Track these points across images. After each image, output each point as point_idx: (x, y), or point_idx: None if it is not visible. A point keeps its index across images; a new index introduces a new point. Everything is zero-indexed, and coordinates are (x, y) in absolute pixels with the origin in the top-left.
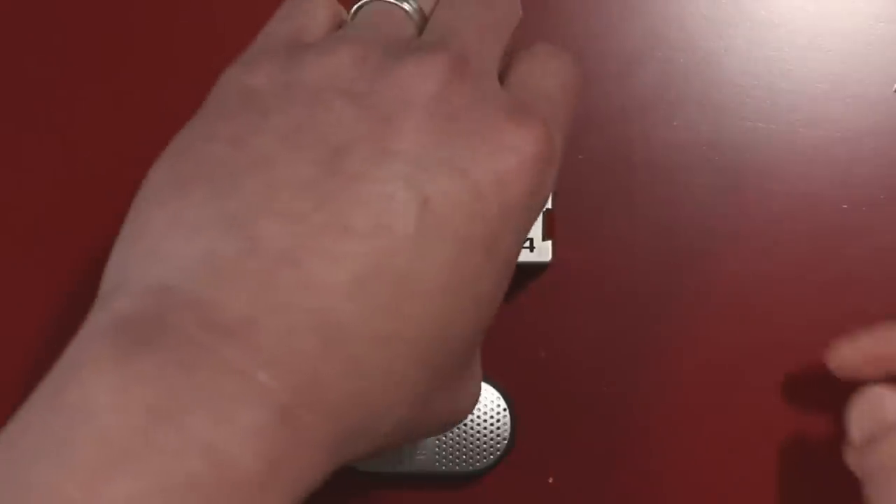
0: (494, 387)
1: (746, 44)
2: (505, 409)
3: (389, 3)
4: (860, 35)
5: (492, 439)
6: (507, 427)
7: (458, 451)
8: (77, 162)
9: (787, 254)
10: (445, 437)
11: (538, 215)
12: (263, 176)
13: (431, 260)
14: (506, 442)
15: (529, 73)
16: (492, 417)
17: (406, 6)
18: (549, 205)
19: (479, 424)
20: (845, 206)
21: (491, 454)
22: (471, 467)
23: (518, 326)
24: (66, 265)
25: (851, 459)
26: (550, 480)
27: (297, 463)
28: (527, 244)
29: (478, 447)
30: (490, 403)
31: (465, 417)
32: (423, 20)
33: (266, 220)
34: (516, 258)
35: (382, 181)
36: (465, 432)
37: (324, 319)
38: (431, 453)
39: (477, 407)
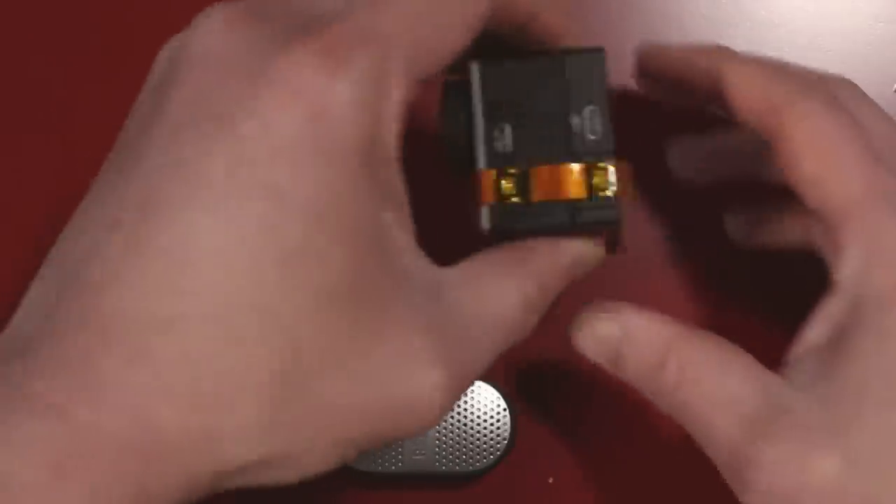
0: (494, 387)
1: (746, 44)
2: (505, 409)
3: None
4: (860, 35)
5: (492, 439)
6: (507, 427)
7: (458, 451)
8: (77, 161)
9: (788, 253)
10: (445, 437)
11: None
12: None
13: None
14: (506, 442)
15: None
16: (492, 417)
17: None
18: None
19: (479, 424)
20: None
21: (491, 454)
22: (471, 467)
23: None
24: None
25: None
26: (550, 480)
27: (91, 468)
28: None
29: (478, 447)
30: (490, 403)
31: (438, 403)
32: None
33: None
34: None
35: None
36: (465, 432)
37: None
38: (431, 453)
39: (477, 407)
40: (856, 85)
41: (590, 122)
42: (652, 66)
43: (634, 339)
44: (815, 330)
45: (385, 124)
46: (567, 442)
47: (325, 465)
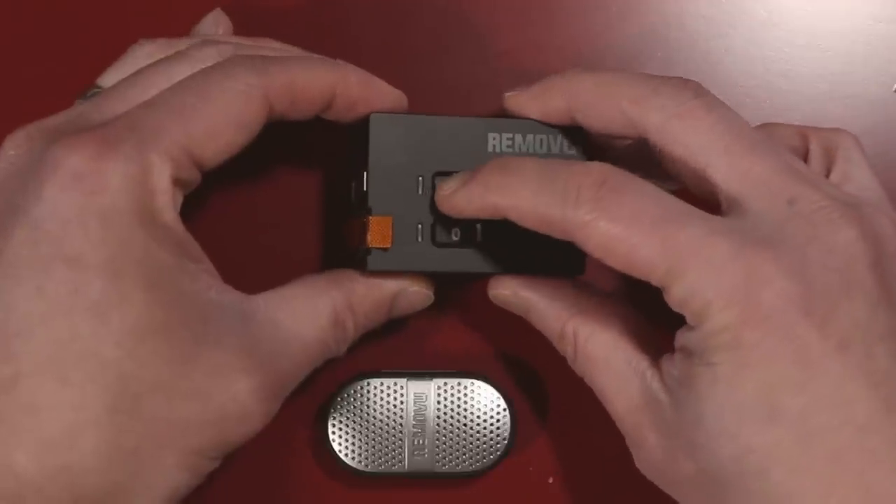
0: (494, 387)
1: (746, 44)
2: (505, 409)
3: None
4: (860, 35)
5: (492, 439)
6: (507, 427)
7: (458, 451)
8: None
9: None
10: (445, 437)
11: None
12: None
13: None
14: (506, 442)
15: None
16: (492, 417)
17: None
18: None
19: (479, 424)
20: None
21: (491, 454)
22: (471, 467)
23: (517, 327)
24: None
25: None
26: (550, 480)
27: None
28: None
29: (478, 447)
30: (490, 403)
31: (255, 408)
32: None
33: None
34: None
35: None
36: (465, 432)
37: None
38: (431, 453)
39: (477, 407)
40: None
41: (359, 185)
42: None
43: (536, 308)
44: (681, 339)
45: (158, 195)
46: (567, 442)
47: (181, 478)
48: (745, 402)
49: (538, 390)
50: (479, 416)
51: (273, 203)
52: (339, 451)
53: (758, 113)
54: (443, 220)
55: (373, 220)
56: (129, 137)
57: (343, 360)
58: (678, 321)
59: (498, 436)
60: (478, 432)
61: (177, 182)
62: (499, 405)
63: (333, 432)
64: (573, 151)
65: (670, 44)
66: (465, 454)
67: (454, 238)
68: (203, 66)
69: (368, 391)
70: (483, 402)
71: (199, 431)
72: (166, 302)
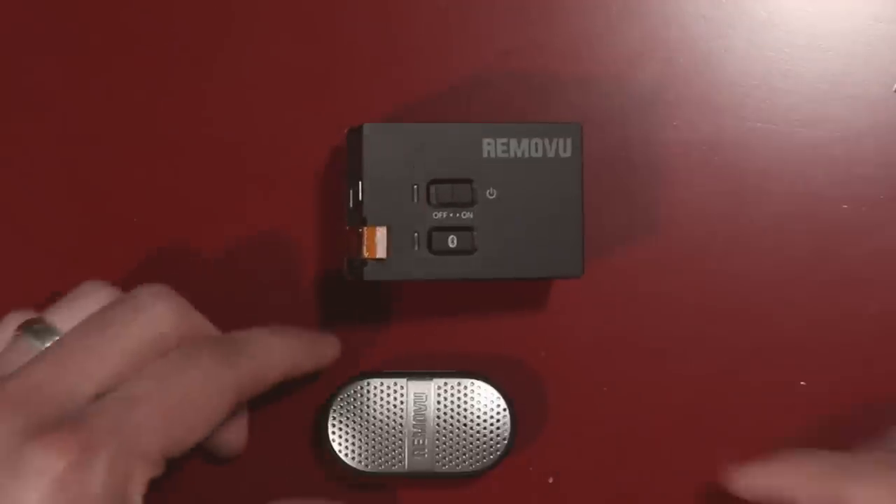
0: (494, 387)
1: (746, 44)
2: (505, 409)
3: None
4: (860, 35)
5: (492, 439)
6: (507, 427)
7: (458, 451)
8: (76, 161)
9: (787, 254)
10: (445, 437)
11: None
12: None
13: None
14: (506, 442)
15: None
16: (492, 417)
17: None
18: None
19: (479, 424)
20: (845, 206)
21: (491, 454)
22: (471, 467)
23: (518, 327)
24: (64, 262)
25: None
26: (550, 480)
27: None
28: None
29: (478, 447)
30: (490, 403)
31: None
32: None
33: None
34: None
35: None
36: (465, 432)
37: None
38: (431, 453)
39: (477, 407)
40: None
41: (356, 195)
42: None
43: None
44: None
45: (133, 497)
46: (567, 442)
47: None
48: None
49: (538, 390)
50: (479, 416)
51: (268, 209)
52: (339, 452)
53: (758, 113)
54: (439, 228)
55: (368, 231)
56: (111, 442)
57: (343, 359)
58: None
59: (498, 436)
60: (478, 432)
61: (148, 482)
62: (499, 405)
63: (333, 432)
64: (567, 154)
65: (670, 44)
66: (465, 454)
67: (451, 245)
68: (157, 318)
69: (368, 391)
70: (483, 402)
71: None
72: None
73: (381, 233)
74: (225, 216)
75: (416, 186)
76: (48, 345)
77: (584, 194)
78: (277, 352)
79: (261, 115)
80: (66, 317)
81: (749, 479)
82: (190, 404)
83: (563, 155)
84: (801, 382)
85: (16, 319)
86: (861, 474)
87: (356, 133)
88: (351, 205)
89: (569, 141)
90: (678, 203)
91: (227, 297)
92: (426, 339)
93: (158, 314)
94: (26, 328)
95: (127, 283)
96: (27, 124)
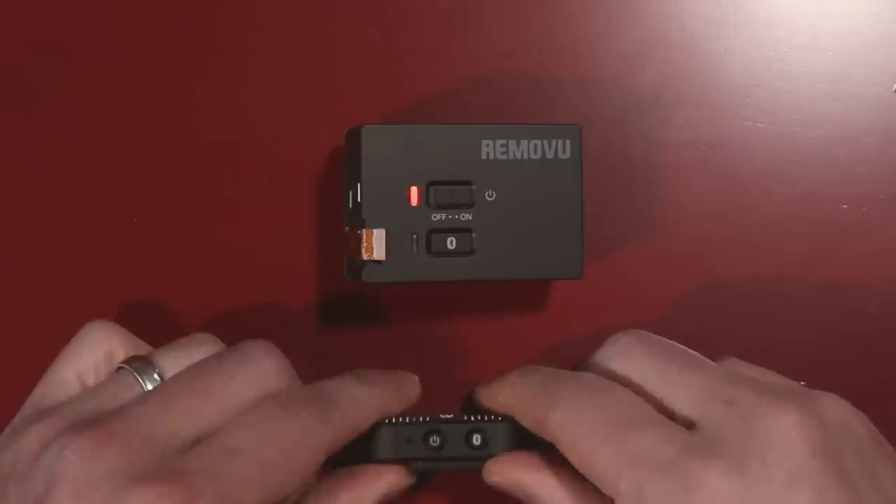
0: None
1: (746, 44)
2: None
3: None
4: (860, 35)
5: None
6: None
7: None
8: (76, 161)
9: (787, 254)
10: None
11: None
12: None
13: None
14: None
15: None
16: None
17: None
18: None
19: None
20: (845, 206)
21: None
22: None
23: (518, 327)
24: (64, 262)
25: None
26: None
27: None
28: None
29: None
30: None
31: None
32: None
33: None
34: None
35: None
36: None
37: None
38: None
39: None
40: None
41: (354, 195)
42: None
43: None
44: None
45: None
46: None
47: None
48: None
49: None
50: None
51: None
52: None
53: (758, 113)
54: (438, 229)
55: (367, 233)
56: (210, 492)
57: (343, 360)
58: None
59: None
60: None
61: None
62: None
63: None
64: (567, 155)
65: (670, 44)
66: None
67: (450, 247)
68: (262, 374)
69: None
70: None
71: None
72: None
73: (379, 234)
74: (225, 216)
75: (415, 188)
76: (149, 386)
77: (584, 195)
78: (368, 403)
79: (260, 116)
80: (171, 361)
81: (485, 395)
82: (286, 458)
83: (562, 156)
84: (801, 382)
85: (103, 330)
86: (563, 399)
87: (355, 134)
88: (350, 206)
89: (568, 142)
90: (678, 203)
91: (227, 298)
92: (426, 339)
93: (265, 369)
94: (133, 364)
95: (127, 282)
96: (27, 125)
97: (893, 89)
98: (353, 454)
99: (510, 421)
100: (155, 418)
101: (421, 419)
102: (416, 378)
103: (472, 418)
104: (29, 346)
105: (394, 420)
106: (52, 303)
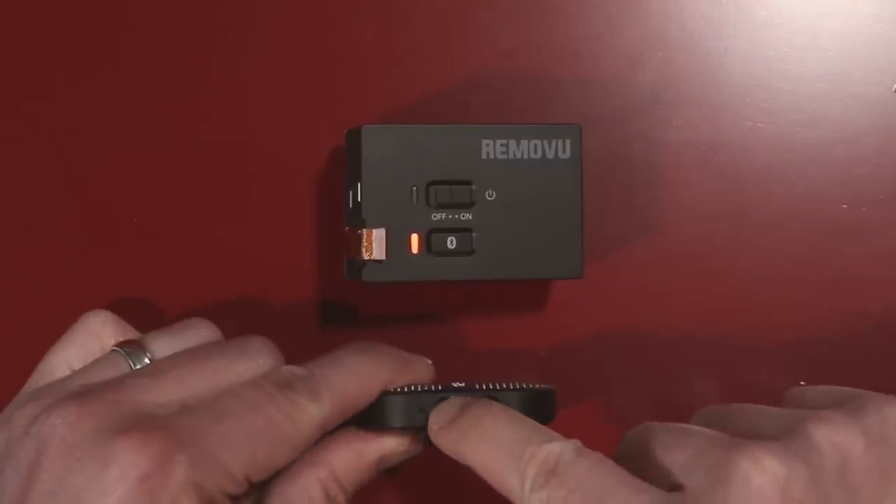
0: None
1: (746, 44)
2: None
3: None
4: (860, 35)
5: None
6: None
7: None
8: (76, 161)
9: (787, 254)
10: None
11: None
12: None
13: None
14: None
15: None
16: None
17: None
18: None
19: None
20: (845, 206)
21: None
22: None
23: (518, 327)
24: (64, 262)
25: None
26: None
27: None
28: None
29: None
30: None
31: None
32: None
33: None
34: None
35: None
36: None
37: None
38: None
39: None
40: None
41: (354, 195)
42: None
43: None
44: None
45: (216, 496)
46: None
47: None
48: None
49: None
50: None
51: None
52: None
53: (758, 113)
54: (438, 229)
55: (367, 233)
56: (194, 446)
57: None
58: None
59: None
60: None
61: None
62: None
63: None
64: (567, 155)
65: (670, 44)
66: None
67: (450, 246)
68: (259, 366)
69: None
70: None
71: None
72: None
73: (379, 234)
74: (225, 216)
75: (415, 188)
76: (139, 367)
77: (584, 195)
78: (367, 375)
79: (261, 116)
80: (163, 344)
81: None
82: (274, 430)
83: (562, 156)
84: (801, 382)
85: (97, 320)
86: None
87: (355, 134)
88: (350, 206)
89: (568, 142)
90: (678, 203)
91: (227, 297)
92: (425, 339)
93: (264, 363)
94: (124, 348)
95: (127, 282)
96: (27, 124)
97: (893, 89)
98: (369, 422)
99: (522, 388)
100: (144, 386)
101: (432, 388)
102: (430, 363)
103: (485, 387)
104: (29, 345)
105: (405, 389)
106: (53, 303)
